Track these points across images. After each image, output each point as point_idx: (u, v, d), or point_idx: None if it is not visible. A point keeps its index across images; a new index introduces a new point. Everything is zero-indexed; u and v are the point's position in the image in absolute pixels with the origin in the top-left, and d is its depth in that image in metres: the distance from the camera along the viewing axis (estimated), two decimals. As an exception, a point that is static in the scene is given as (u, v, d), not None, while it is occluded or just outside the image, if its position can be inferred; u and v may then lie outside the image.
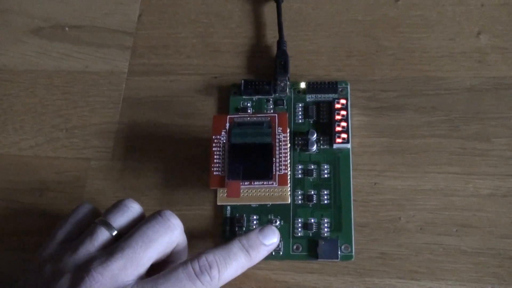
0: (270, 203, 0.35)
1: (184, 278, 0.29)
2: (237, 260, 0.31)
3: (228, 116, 0.35)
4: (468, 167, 0.35)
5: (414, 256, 0.33)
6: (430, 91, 0.37)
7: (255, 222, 0.35)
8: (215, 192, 0.35)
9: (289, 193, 0.34)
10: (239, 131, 0.35)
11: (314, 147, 0.36)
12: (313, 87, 0.37)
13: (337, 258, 0.33)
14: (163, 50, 0.41)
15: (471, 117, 0.36)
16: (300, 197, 0.35)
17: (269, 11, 0.41)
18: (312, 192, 0.35)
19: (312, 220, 0.35)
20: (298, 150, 0.36)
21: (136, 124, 0.39)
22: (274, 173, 0.33)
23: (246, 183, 0.33)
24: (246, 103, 0.38)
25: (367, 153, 0.36)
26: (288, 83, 0.38)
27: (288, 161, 0.34)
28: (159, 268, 0.32)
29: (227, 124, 0.35)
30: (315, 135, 0.36)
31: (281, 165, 0.34)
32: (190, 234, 0.34)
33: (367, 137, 0.36)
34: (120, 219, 0.31)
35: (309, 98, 0.38)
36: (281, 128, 0.35)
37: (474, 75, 0.37)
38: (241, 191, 0.34)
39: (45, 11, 0.44)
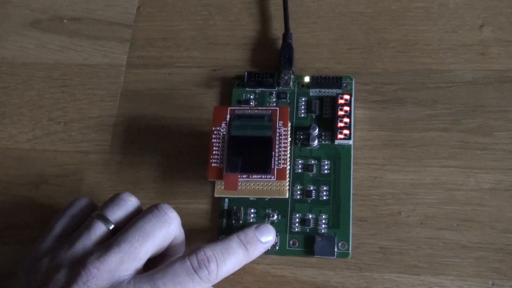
0: (268, 197, 0.34)
1: (182, 273, 0.29)
2: (235, 256, 0.31)
3: (229, 108, 0.35)
4: (469, 161, 0.35)
5: (414, 250, 0.33)
6: (432, 84, 0.37)
7: (252, 215, 0.35)
8: (213, 185, 0.34)
9: (287, 187, 0.34)
10: (240, 123, 0.34)
11: (316, 142, 0.36)
12: (317, 81, 0.37)
13: (334, 255, 0.33)
14: (162, 42, 0.41)
15: (473, 111, 0.36)
16: (299, 192, 0.35)
17: (269, 3, 0.41)
18: (311, 188, 0.35)
19: (310, 216, 0.34)
20: (299, 145, 0.36)
21: (134, 117, 0.39)
22: (272, 167, 0.33)
23: (244, 176, 0.33)
24: (248, 96, 0.38)
25: (368, 147, 0.36)
26: (292, 76, 0.37)
27: (288, 155, 0.34)
28: (157, 262, 0.31)
29: (228, 116, 0.35)
30: (316, 130, 0.35)
31: (280, 159, 0.33)
32: (188, 227, 0.34)
33: (368, 131, 0.36)
34: (117, 213, 0.31)
35: (313, 92, 0.37)
36: (282, 122, 0.34)
37: (477, 68, 0.37)
38: (239, 184, 0.33)
39: (44, 3, 0.43)
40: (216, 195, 0.34)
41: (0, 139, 0.39)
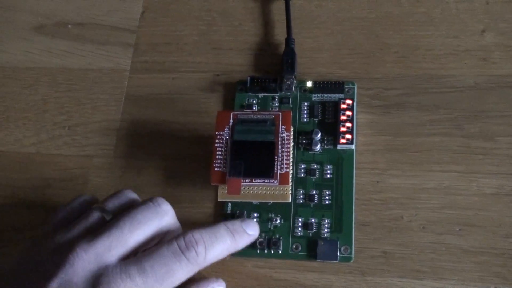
0: (271, 201, 0.35)
1: (169, 254, 0.29)
2: (223, 241, 0.31)
3: (232, 113, 0.35)
4: (471, 165, 0.35)
5: (416, 255, 0.33)
6: (434, 89, 0.37)
7: (255, 219, 0.35)
8: (217, 190, 0.35)
9: (290, 192, 0.34)
10: (242, 128, 0.34)
11: (318, 147, 0.36)
12: (319, 86, 0.37)
13: (336, 260, 0.33)
14: (166, 47, 0.41)
15: (475, 116, 0.36)
16: (301, 197, 0.35)
17: (272, 8, 0.41)
18: (314, 192, 0.35)
19: (313, 220, 0.34)
20: (301, 149, 0.36)
21: (138, 122, 0.39)
22: (275, 171, 0.33)
23: (247, 180, 0.33)
24: (251, 100, 0.38)
25: (370, 151, 0.36)
26: (294, 81, 0.37)
27: (290, 160, 0.34)
28: None
29: (231, 121, 0.35)
30: (319, 135, 0.36)
31: (283, 164, 0.33)
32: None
33: (370, 135, 0.36)
34: (116, 203, 0.32)
35: (315, 97, 0.37)
36: (284, 127, 0.34)
37: (478, 73, 0.37)
38: (242, 188, 0.33)
39: (48, 9, 0.44)
40: (219, 199, 0.34)
41: (5, 143, 0.40)
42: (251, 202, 0.35)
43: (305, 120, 0.37)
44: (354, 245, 0.34)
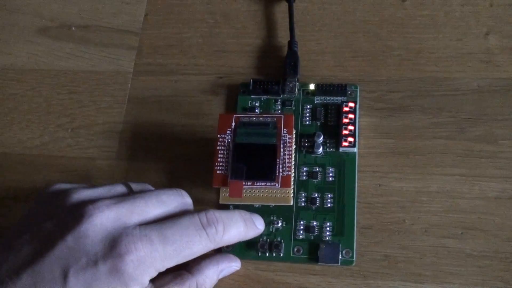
0: (273, 204, 0.35)
1: (191, 226, 0.29)
2: (237, 225, 0.32)
3: (234, 115, 0.35)
4: (474, 169, 0.34)
5: (418, 258, 0.33)
6: (437, 92, 0.37)
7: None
8: (219, 192, 0.35)
9: (291, 195, 0.34)
10: (245, 131, 0.34)
11: (320, 150, 0.36)
12: (322, 89, 0.37)
13: (338, 263, 0.33)
14: (169, 50, 0.41)
15: (478, 119, 0.36)
16: (303, 200, 0.35)
17: (275, 11, 0.41)
18: (316, 195, 0.35)
19: (315, 223, 0.34)
20: (304, 152, 0.36)
21: (141, 124, 0.39)
22: (277, 174, 0.33)
23: (249, 183, 0.33)
24: (254, 103, 0.38)
25: (372, 154, 0.36)
26: (297, 84, 0.37)
27: (292, 163, 0.34)
28: None
29: (233, 123, 0.35)
30: (321, 138, 0.36)
31: (284, 167, 0.33)
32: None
33: (373, 138, 0.36)
34: (140, 188, 0.32)
35: (318, 100, 0.37)
36: (286, 130, 0.34)
37: (482, 76, 0.37)
38: (244, 191, 0.33)
39: (52, 11, 0.44)
40: (221, 202, 0.34)
41: (9, 145, 0.40)
42: (253, 205, 0.35)
43: (307, 122, 0.37)
44: (356, 248, 0.33)
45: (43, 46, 0.43)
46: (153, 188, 0.34)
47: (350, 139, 0.35)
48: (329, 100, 0.37)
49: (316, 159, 0.36)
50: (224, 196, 0.34)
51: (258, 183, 0.33)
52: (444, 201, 0.34)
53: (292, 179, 0.34)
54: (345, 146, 0.35)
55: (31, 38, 0.43)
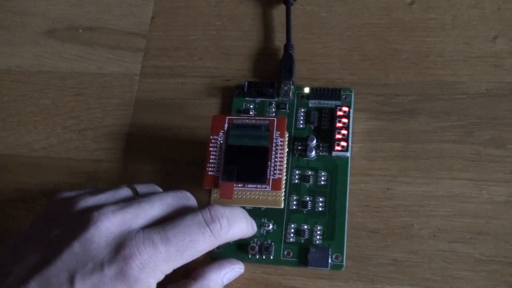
0: (264, 206, 0.35)
1: (193, 225, 0.29)
2: (241, 221, 0.32)
3: (227, 117, 0.35)
4: (482, 173, 0.34)
5: (427, 263, 0.33)
6: (445, 96, 0.37)
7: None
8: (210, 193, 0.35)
9: (282, 198, 0.34)
10: (237, 133, 0.34)
11: (313, 153, 0.36)
12: (316, 92, 0.37)
13: (327, 267, 0.33)
14: (176, 52, 0.41)
15: (486, 123, 0.36)
16: (295, 203, 0.35)
17: (281, 13, 0.41)
18: (307, 199, 0.35)
19: (305, 227, 0.34)
20: (296, 155, 0.36)
21: (148, 126, 0.39)
22: (268, 177, 0.33)
23: (239, 185, 0.33)
24: (248, 105, 0.38)
25: (380, 158, 0.36)
26: (292, 87, 0.37)
27: (284, 166, 0.34)
28: None
29: (226, 125, 0.35)
30: (314, 141, 0.36)
31: (276, 170, 0.33)
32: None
33: (380, 142, 0.36)
34: (145, 189, 0.33)
35: (312, 103, 0.37)
36: (279, 133, 0.34)
37: (490, 80, 0.37)
38: (235, 193, 0.33)
39: (59, 13, 0.44)
40: (212, 203, 0.34)
41: (15, 147, 0.40)
42: (244, 207, 0.35)
43: (301, 126, 0.37)
44: (345, 252, 0.33)
45: (50, 48, 0.43)
46: (160, 189, 0.34)
47: (343, 143, 0.35)
48: (323, 104, 0.37)
49: (308, 162, 0.36)
50: (215, 197, 0.34)
51: (249, 185, 0.33)
52: (452, 206, 0.34)
53: (283, 182, 0.34)
54: (337, 151, 0.35)
55: (38, 40, 0.43)
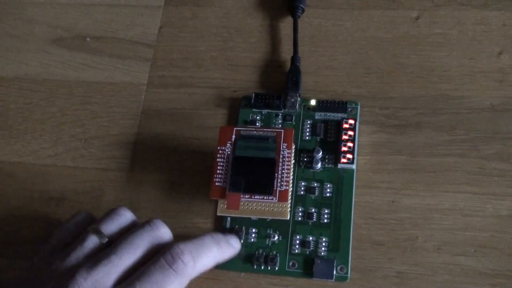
0: (270, 217, 0.35)
1: (157, 271, 0.30)
2: (209, 250, 0.31)
3: (234, 128, 0.35)
4: (487, 187, 0.35)
5: (431, 276, 0.33)
6: (450, 110, 0.37)
7: (253, 235, 0.35)
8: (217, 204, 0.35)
9: (288, 209, 0.34)
10: (244, 144, 0.35)
11: (319, 165, 0.36)
12: (323, 105, 0.37)
13: (332, 279, 0.33)
14: (183, 62, 0.41)
15: (491, 137, 0.36)
16: (300, 214, 0.35)
17: (288, 26, 0.41)
18: (313, 210, 0.35)
19: (311, 238, 0.35)
20: (302, 167, 0.36)
21: (154, 136, 0.39)
22: (275, 188, 0.34)
23: (246, 196, 0.34)
24: (255, 116, 0.38)
25: (385, 171, 0.36)
26: (298, 99, 0.38)
27: (291, 177, 0.34)
28: None
29: (233, 136, 0.35)
30: (320, 153, 0.36)
31: (283, 181, 0.34)
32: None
33: (386, 155, 0.36)
34: (111, 227, 0.32)
35: (318, 116, 0.38)
36: (286, 144, 0.35)
37: (495, 95, 0.37)
38: (242, 203, 0.34)
39: (67, 22, 0.44)
40: (218, 214, 0.35)
41: (22, 154, 0.40)
42: (250, 217, 0.35)
43: (307, 138, 0.37)
44: (350, 264, 0.34)
45: (57, 56, 0.43)
46: (128, 214, 0.33)
47: (349, 155, 0.35)
48: (329, 116, 0.37)
49: (314, 174, 0.36)
50: (222, 207, 0.34)
51: (255, 196, 0.34)
52: (457, 219, 0.34)
53: (290, 193, 0.34)
54: (343, 163, 0.35)
55: (45, 48, 0.43)
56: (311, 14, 0.41)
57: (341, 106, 0.37)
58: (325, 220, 0.35)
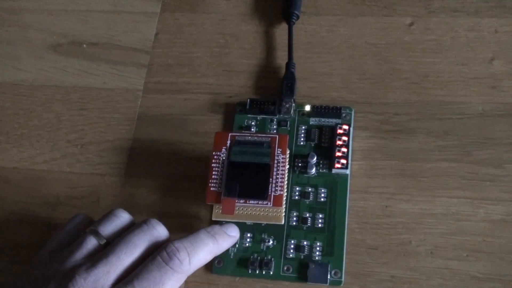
0: (264, 222, 0.35)
1: (154, 268, 0.30)
2: (204, 245, 0.32)
3: (229, 134, 0.36)
4: (479, 192, 0.35)
5: (424, 280, 0.33)
6: (443, 116, 0.37)
7: (248, 239, 0.35)
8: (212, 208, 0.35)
9: (283, 214, 0.34)
10: (239, 149, 0.35)
11: (313, 170, 0.36)
12: (317, 110, 0.38)
13: (326, 283, 0.33)
14: (179, 68, 0.42)
15: (483, 142, 0.36)
16: (295, 219, 0.36)
17: (283, 32, 0.42)
18: (307, 215, 0.35)
19: (305, 243, 0.35)
20: (297, 172, 0.37)
21: (150, 141, 0.40)
22: (269, 193, 0.34)
23: (241, 201, 0.34)
24: (250, 122, 0.38)
25: (379, 176, 0.36)
26: (293, 105, 0.38)
27: (285, 182, 0.34)
28: None
29: (228, 142, 0.35)
30: (315, 158, 0.36)
31: (277, 186, 0.34)
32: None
33: (379, 160, 0.37)
34: (109, 228, 0.33)
35: (313, 121, 0.38)
36: (280, 150, 0.35)
37: (487, 101, 0.37)
38: (236, 208, 0.34)
39: (64, 28, 0.44)
40: (213, 219, 0.35)
41: (19, 160, 0.40)
42: (245, 222, 0.35)
43: (302, 143, 0.37)
44: (344, 269, 0.34)
45: (54, 63, 0.43)
46: (125, 215, 0.34)
47: (343, 161, 0.36)
48: (324, 121, 0.38)
49: (309, 179, 0.36)
50: (217, 212, 0.35)
51: (250, 201, 0.34)
52: (450, 223, 0.35)
53: (284, 198, 0.34)
54: (337, 168, 0.36)
55: (42, 54, 0.44)
56: (306, 20, 0.42)
57: (335, 111, 0.38)
58: (320, 225, 0.35)
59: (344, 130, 0.37)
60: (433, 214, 0.35)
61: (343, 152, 0.36)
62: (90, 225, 0.33)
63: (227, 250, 0.35)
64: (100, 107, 0.41)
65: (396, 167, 0.36)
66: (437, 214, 0.35)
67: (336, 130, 0.37)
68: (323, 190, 0.36)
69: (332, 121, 0.38)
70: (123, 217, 0.33)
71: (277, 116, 0.38)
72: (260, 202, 0.34)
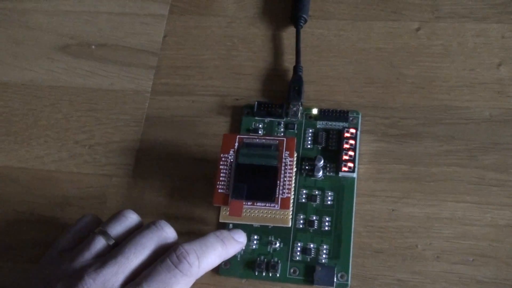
0: (271, 225, 0.35)
1: (163, 271, 0.30)
2: (214, 249, 0.32)
3: (237, 136, 0.36)
4: (485, 197, 0.35)
5: (430, 284, 0.34)
6: (449, 120, 0.38)
7: (255, 242, 0.36)
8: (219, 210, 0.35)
9: (290, 216, 0.34)
10: (247, 152, 0.35)
11: (320, 173, 0.36)
12: (324, 114, 0.38)
13: (333, 286, 0.34)
14: (187, 70, 0.42)
15: (489, 148, 0.36)
16: (301, 222, 0.36)
17: (291, 36, 0.42)
18: (314, 218, 0.36)
19: (312, 245, 0.35)
20: (304, 175, 0.37)
21: (158, 143, 0.40)
22: (277, 196, 0.34)
23: (249, 203, 0.34)
24: (257, 125, 0.39)
25: (386, 180, 0.36)
26: (300, 108, 0.38)
27: (292, 185, 0.35)
28: None
29: (236, 144, 0.36)
30: (322, 162, 0.36)
31: (284, 189, 0.34)
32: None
33: (386, 164, 0.37)
34: (118, 229, 0.33)
35: (320, 124, 0.38)
36: (288, 152, 0.35)
37: (494, 106, 0.38)
38: (244, 210, 0.34)
39: (73, 29, 0.45)
40: (220, 221, 0.35)
41: (27, 160, 0.40)
42: (252, 224, 0.36)
43: (309, 146, 0.38)
44: (351, 272, 0.34)
45: (62, 63, 0.44)
46: (133, 216, 0.34)
47: (350, 164, 0.36)
48: (331, 125, 0.38)
49: (316, 182, 0.37)
50: (224, 214, 0.35)
51: (258, 204, 0.34)
52: (456, 228, 0.35)
53: (292, 201, 0.34)
54: (344, 171, 0.36)
55: (51, 55, 0.44)
56: (314, 24, 0.42)
57: (342, 115, 0.38)
58: (326, 228, 0.35)
59: (351, 133, 0.37)
60: (439, 218, 0.35)
61: (350, 156, 0.36)
62: (98, 226, 0.33)
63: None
64: (108, 108, 0.42)
65: (402, 171, 0.37)
66: (443, 219, 0.35)
67: (343, 134, 0.37)
68: (330, 193, 0.36)
69: (339, 124, 0.38)
70: (131, 218, 0.34)
71: (284, 119, 0.39)
72: (267, 205, 0.34)
